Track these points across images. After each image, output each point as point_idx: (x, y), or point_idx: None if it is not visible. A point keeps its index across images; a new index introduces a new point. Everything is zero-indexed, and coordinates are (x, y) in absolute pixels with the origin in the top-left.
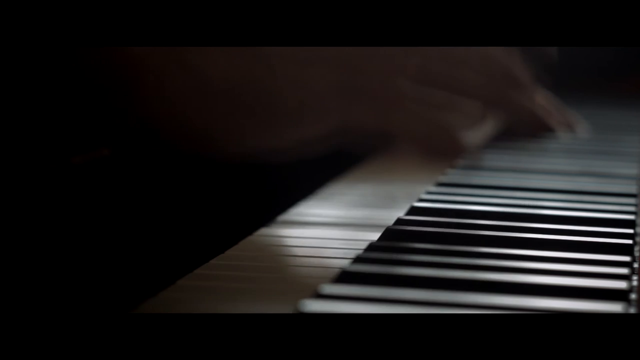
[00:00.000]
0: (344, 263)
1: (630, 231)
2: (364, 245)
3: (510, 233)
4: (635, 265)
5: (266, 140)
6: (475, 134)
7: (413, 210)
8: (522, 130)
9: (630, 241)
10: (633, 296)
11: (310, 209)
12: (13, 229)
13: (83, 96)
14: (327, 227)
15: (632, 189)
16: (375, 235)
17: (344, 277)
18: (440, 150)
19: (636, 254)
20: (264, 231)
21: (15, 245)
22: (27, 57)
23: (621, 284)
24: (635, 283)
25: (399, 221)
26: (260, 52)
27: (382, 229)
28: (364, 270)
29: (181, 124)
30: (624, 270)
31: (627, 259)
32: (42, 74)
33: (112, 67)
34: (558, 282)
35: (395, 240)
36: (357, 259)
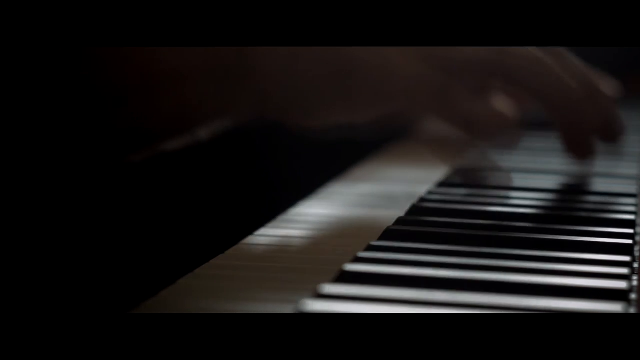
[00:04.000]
0: (344, 263)
1: (630, 231)
2: (364, 245)
3: (511, 233)
4: (635, 265)
5: (346, 115)
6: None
7: (413, 210)
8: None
9: (630, 241)
10: (633, 296)
11: (310, 209)
12: (14, 228)
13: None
14: (327, 227)
15: (632, 189)
16: (375, 235)
17: (344, 277)
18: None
19: (636, 254)
20: (264, 231)
21: (15, 244)
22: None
23: (621, 284)
24: (635, 283)
25: (399, 221)
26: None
27: (382, 229)
28: (364, 270)
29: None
30: (624, 270)
31: (627, 259)
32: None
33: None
34: (558, 282)
35: (395, 240)
36: (357, 259)
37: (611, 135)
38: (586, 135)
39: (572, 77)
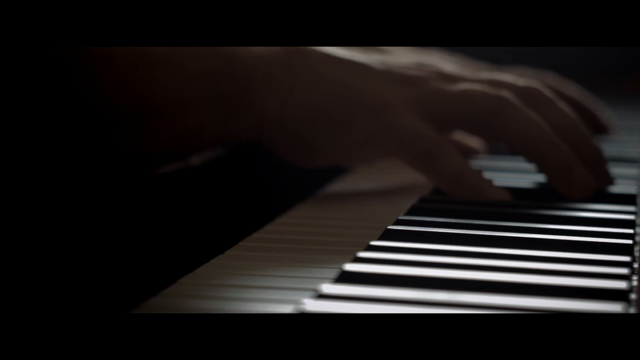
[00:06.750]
0: (344, 263)
1: (630, 231)
2: (364, 245)
3: (511, 233)
4: (635, 265)
5: (340, 157)
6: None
7: (413, 210)
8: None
9: (630, 241)
10: (633, 296)
11: (310, 209)
12: (14, 229)
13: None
14: (326, 227)
15: (632, 189)
16: (374, 235)
17: (344, 277)
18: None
19: (636, 254)
20: (264, 232)
21: (15, 244)
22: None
23: (621, 284)
24: (635, 283)
25: (399, 221)
26: (366, 71)
27: (382, 229)
28: (364, 270)
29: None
30: (623, 270)
31: (627, 259)
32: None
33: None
34: (558, 282)
35: (395, 240)
36: (357, 259)
37: (599, 182)
38: (576, 183)
39: (561, 127)
